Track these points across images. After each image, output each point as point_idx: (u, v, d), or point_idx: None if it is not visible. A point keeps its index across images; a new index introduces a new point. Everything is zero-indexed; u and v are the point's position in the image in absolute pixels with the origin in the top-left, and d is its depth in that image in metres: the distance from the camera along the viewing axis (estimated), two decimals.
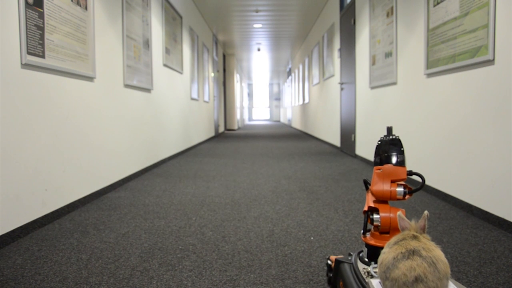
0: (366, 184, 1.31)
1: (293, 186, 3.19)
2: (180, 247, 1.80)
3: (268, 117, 27.60)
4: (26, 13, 1.96)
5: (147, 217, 2.31)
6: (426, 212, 0.98)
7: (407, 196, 1.20)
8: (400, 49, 3.45)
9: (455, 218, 2.23)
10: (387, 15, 3.74)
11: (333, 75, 6.49)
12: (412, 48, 3.17)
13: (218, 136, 9.72)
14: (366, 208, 1.25)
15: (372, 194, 1.24)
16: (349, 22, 5.28)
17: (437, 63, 2.69)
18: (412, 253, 0.89)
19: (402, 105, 3.40)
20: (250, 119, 26.61)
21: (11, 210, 1.88)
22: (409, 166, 3.23)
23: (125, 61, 3.36)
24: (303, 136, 9.68)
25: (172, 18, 5.17)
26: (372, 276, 1.09)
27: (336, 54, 6.20)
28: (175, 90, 5.31)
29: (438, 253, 0.90)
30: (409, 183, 3.10)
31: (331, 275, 1.37)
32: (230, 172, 3.98)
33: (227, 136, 9.72)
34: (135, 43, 3.62)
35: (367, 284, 1.03)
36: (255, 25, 8.77)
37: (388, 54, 3.74)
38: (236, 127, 13.23)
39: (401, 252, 0.90)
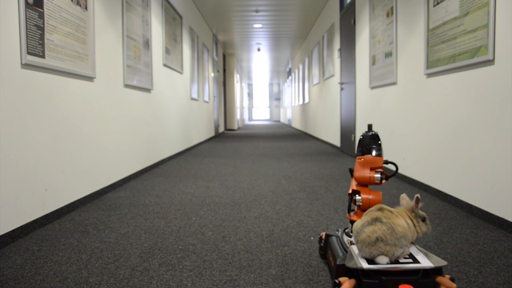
0: (351, 172, 1.52)
1: (293, 186, 3.19)
2: (180, 247, 1.80)
3: (268, 117, 27.60)
4: (26, 13, 1.96)
5: (147, 217, 2.31)
6: (417, 195, 1.24)
7: (383, 181, 1.44)
8: (400, 49, 3.45)
9: (455, 218, 2.23)
10: (387, 15, 3.74)
11: (333, 75, 6.49)
12: (412, 48, 3.17)
13: (218, 136, 9.72)
14: (350, 191, 1.50)
15: (355, 179, 1.48)
16: (349, 22, 5.28)
17: (437, 63, 2.70)
18: (375, 220, 1.17)
19: (402, 105, 3.40)
20: (250, 119, 26.61)
21: (11, 210, 1.88)
22: (409, 166, 3.24)
23: (125, 61, 3.36)
24: (303, 136, 9.68)
25: (172, 18, 5.17)
26: (352, 243, 1.37)
27: (336, 54, 6.20)
28: (175, 90, 5.31)
29: (397, 220, 1.17)
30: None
31: (321, 247, 1.64)
32: (230, 172, 3.98)
33: (227, 136, 9.72)
34: (135, 43, 3.62)
35: (349, 249, 1.29)
36: (255, 25, 8.77)
37: (388, 54, 3.74)
38: (236, 127, 13.23)
39: (367, 220, 1.18)
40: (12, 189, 1.88)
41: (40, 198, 2.11)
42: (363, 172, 1.46)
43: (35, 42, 2.04)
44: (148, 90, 4.06)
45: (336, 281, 1.20)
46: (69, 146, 2.41)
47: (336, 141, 6.29)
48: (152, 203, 2.66)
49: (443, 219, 2.21)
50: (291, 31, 9.42)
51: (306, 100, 10.23)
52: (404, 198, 1.28)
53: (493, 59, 2.08)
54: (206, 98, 8.17)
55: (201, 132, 7.59)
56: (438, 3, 2.66)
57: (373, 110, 4.28)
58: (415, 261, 1.16)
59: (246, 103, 21.86)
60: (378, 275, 1.14)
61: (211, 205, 2.58)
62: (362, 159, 1.47)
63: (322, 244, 1.64)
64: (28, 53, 1.98)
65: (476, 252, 1.70)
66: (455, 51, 2.45)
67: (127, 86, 3.43)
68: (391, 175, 1.44)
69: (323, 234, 1.64)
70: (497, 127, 2.06)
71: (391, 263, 1.15)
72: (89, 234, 2.00)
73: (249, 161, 4.80)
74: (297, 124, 13.03)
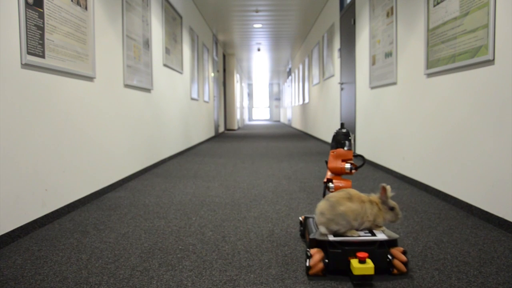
0: (326, 163, 1.76)
1: (293, 186, 3.19)
2: (180, 247, 1.80)
3: (268, 117, 27.60)
4: (26, 13, 1.96)
5: (147, 217, 2.31)
6: (382, 184, 1.49)
7: (353, 171, 1.70)
8: (400, 49, 3.45)
9: (455, 218, 2.23)
10: (387, 15, 3.74)
11: (333, 75, 6.49)
12: (412, 48, 3.17)
13: (218, 136, 9.72)
14: (325, 180, 1.77)
15: (329, 169, 1.76)
16: (349, 22, 5.28)
17: (437, 63, 2.70)
18: (326, 199, 1.52)
19: (402, 105, 3.40)
20: (250, 119, 26.61)
21: (11, 210, 1.88)
22: (409, 166, 3.24)
23: (125, 61, 3.36)
24: (303, 136, 9.68)
25: (172, 18, 5.17)
26: None
27: (336, 54, 6.20)
28: (175, 90, 5.32)
29: (345, 202, 1.47)
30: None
31: (301, 228, 1.91)
32: (230, 172, 3.98)
33: (227, 136, 9.72)
34: (135, 43, 3.62)
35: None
36: (255, 25, 8.77)
37: (388, 54, 3.74)
38: (236, 127, 13.23)
39: (322, 200, 1.53)
40: (12, 189, 1.88)
41: (40, 198, 2.11)
42: (336, 163, 1.73)
43: (35, 42, 2.04)
44: (148, 90, 4.06)
45: (308, 253, 1.46)
46: (69, 146, 2.41)
47: None
48: (152, 203, 2.66)
49: (443, 219, 2.21)
50: (291, 31, 9.42)
51: (306, 100, 10.23)
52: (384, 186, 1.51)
53: (493, 59, 2.08)
54: (206, 98, 8.17)
55: (201, 132, 7.59)
56: (438, 3, 2.66)
57: (373, 110, 4.28)
58: (373, 235, 1.48)
59: (246, 103, 21.86)
60: (341, 246, 1.43)
61: (211, 205, 2.58)
62: (334, 152, 1.74)
63: (301, 226, 1.91)
64: (28, 53, 1.98)
65: (476, 252, 1.70)
66: (455, 51, 2.45)
67: (127, 86, 3.43)
68: (359, 165, 1.73)
69: (303, 217, 1.89)
70: (497, 127, 2.06)
71: (337, 235, 1.47)
72: (89, 234, 2.00)
73: (249, 161, 4.81)
74: (297, 124, 13.03)
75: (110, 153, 3.05)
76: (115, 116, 3.14)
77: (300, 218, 1.92)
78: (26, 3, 1.96)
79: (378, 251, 1.43)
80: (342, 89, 5.81)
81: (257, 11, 7.54)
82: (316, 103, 8.52)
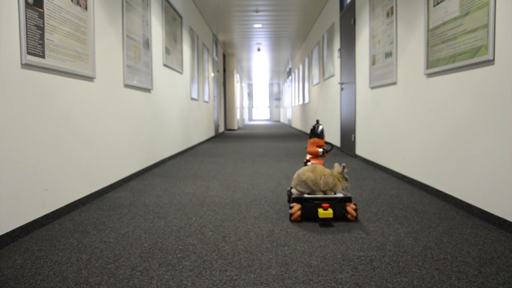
0: (306, 149, 2.58)
1: None
2: (180, 247, 1.80)
3: (268, 117, 27.60)
4: (26, 13, 1.96)
5: (147, 217, 2.31)
6: (344, 164, 2.23)
7: (325, 154, 2.56)
8: (400, 49, 3.45)
9: (455, 218, 2.23)
10: (387, 15, 3.74)
11: (333, 75, 6.49)
12: (412, 48, 3.17)
13: (218, 136, 9.72)
14: (305, 160, 2.59)
15: (308, 153, 2.59)
16: (349, 22, 5.28)
17: (437, 63, 2.70)
18: (299, 170, 2.27)
19: (402, 105, 3.40)
20: (250, 119, 26.61)
21: (11, 210, 1.88)
22: (409, 166, 3.24)
23: (125, 61, 3.36)
24: (303, 136, 9.68)
25: (172, 18, 5.17)
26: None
27: (336, 54, 6.20)
28: (175, 90, 5.32)
29: (309, 173, 2.22)
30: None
31: (288, 195, 2.55)
32: (230, 172, 3.98)
33: (227, 136, 9.72)
34: (135, 43, 3.62)
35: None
36: (255, 25, 8.77)
37: (388, 54, 3.74)
38: (236, 127, 13.23)
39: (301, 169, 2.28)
40: (12, 189, 1.88)
41: (40, 198, 2.11)
42: (312, 148, 2.59)
43: (35, 42, 2.04)
44: (148, 90, 4.06)
45: (290, 205, 2.21)
46: (69, 146, 2.41)
47: (336, 141, 6.29)
48: (152, 203, 2.66)
49: (443, 219, 2.21)
50: (291, 31, 9.42)
51: (306, 100, 10.23)
52: (336, 165, 2.28)
53: (493, 59, 2.08)
54: (206, 98, 8.17)
55: (201, 132, 7.59)
56: (438, 3, 2.66)
57: (373, 110, 4.28)
58: (335, 194, 2.25)
59: (246, 103, 21.86)
60: (312, 201, 2.18)
61: (211, 205, 2.58)
62: (312, 140, 2.61)
63: (288, 195, 2.58)
64: (28, 53, 1.98)
65: (476, 252, 1.70)
66: (455, 51, 2.44)
67: (127, 86, 3.43)
68: (328, 150, 2.60)
69: (289, 188, 2.55)
70: (497, 127, 2.06)
71: (310, 194, 2.22)
72: (89, 234, 2.00)
73: (249, 161, 4.81)
74: (297, 124, 13.02)
75: (110, 153, 3.05)
76: (115, 116, 3.14)
77: (287, 189, 2.72)
78: (26, 3, 1.96)
79: (337, 204, 2.18)
80: (342, 89, 5.81)
81: (257, 11, 7.54)
82: (316, 103, 8.52)
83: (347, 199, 2.19)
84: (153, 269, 1.55)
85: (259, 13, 7.73)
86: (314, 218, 2.17)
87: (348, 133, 5.47)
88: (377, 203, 2.60)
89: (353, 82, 5.12)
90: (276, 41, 10.81)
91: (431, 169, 2.84)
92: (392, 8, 3.61)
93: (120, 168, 3.27)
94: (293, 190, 2.28)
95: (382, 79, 3.91)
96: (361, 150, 4.82)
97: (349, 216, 2.16)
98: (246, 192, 3.00)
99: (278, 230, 2.03)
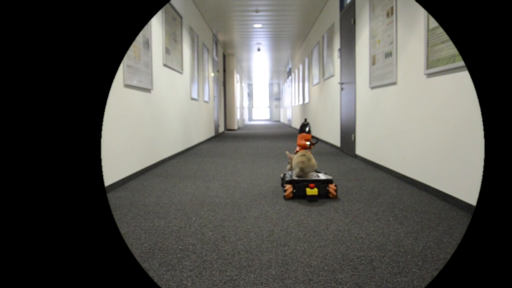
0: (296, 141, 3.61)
1: None
2: (180, 247, 1.80)
3: (268, 117, 27.60)
4: None
5: (147, 217, 2.31)
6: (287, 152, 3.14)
7: (311, 146, 3.03)
8: (400, 49, 3.45)
9: (455, 218, 2.23)
10: (387, 15, 3.74)
11: (333, 75, 6.49)
12: (412, 48, 3.17)
13: (218, 136, 9.72)
14: (295, 151, 3.05)
15: (297, 145, 3.07)
16: (349, 22, 5.28)
17: (437, 63, 2.70)
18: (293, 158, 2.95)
19: (402, 105, 3.40)
20: (250, 119, 26.62)
21: None
22: (409, 166, 3.24)
23: (125, 61, 3.36)
24: None
25: (172, 18, 5.17)
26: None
27: (336, 54, 6.20)
28: (175, 90, 5.32)
29: (300, 158, 2.80)
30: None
31: (281, 180, 3.16)
32: (230, 172, 3.98)
33: (227, 136, 9.72)
34: (135, 43, 3.62)
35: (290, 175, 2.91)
36: (255, 25, 8.77)
37: (388, 54, 3.74)
38: (236, 127, 13.23)
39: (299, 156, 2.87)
40: None
41: None
42: (301, 141, 3.05)
43: None
44: (148, 90, 4.06)
45: (284, 186, 2.74)
46: None
47: (336, 141, 6.29)
48: (152, 203, 2.66)
49: (443, 219, 2.21)
50: (291, 31, 9.42)
51: (306, 100, 10.23)
52: (287, 154, 2.90)
53: None
54: (206, 98, 8.17)
55: (201, 132, 7.59)
56: None
57: (373, 110, 4.28)
58: (320, 176, 2.81)
59: (246, 103, 21.87)
60: (302, 182, 2.71)
61: (211, 205, 2.58)
62: (301, 135, 3.07)
63: (282, 180, 3.15)
64: None
65: None
66: (455, 51, 2.44)
67: (127, 86, 3.43)
68: (314, 143, 3.09)
69: (282, 174, 3.18)
70: None
71: (299, 177, 2.78)
72: None
73: (249, 161, 4.81)
74: (297, 124, 13.02)
75: (110, 153, 3.05)
76: (115, 116, 3.14)
77: (281, 175, 3.19)
78: None
79: (322, 185, 2.70)
80: (342, 89, 5.81)
81: (257, 11, 7.54)
82: (316, 103, 8.52)
83: (329, 181, 2.72)
84: (153, 269, 1.55)
85: (259, 13, 7.73)
86: (303, 195, 2.70)
87: (348, 133, 5.47)
88: (377, 203, 2.60)
89: (353, 82, 5.12)
90: (276, 41, 10.81)
91: (431, 169, 2.84)
92: (392, 8, 3.61)
93: (120, 168, 3.26)
94: (290, 172, 2.96)
95: (382, 79, 3.91)
96: (361, 150, 4.82)
97: (330, 195, 2.71)
98: (246, 192, 3.00)
99: (278, 230, 2.03)
